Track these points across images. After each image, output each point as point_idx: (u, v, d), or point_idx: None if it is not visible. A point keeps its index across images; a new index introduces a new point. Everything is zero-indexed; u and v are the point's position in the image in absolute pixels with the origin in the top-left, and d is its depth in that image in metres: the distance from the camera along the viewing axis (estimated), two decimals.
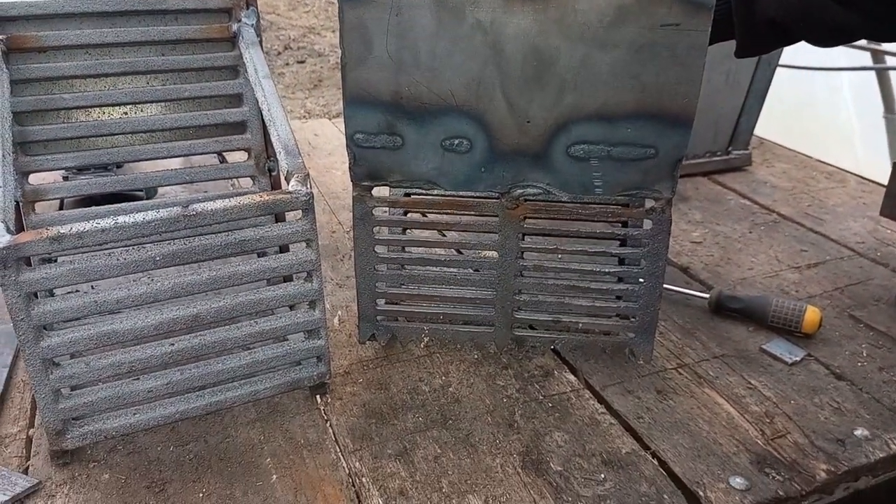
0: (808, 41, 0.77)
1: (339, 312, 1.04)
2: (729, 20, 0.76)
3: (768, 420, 0.85)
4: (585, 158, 0.82)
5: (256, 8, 0.94)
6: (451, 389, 0.88)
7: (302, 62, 6.96)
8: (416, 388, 0.88)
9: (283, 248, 0.88)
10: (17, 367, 0.91)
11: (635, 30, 0.76)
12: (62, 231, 0.68)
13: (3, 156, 0.74)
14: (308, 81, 6.51)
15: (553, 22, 0.76)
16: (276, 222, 0.90)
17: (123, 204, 0.94)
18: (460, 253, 0.99)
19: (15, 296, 0.68)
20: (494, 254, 0.90)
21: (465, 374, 0.91)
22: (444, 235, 1.14)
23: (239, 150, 0.98)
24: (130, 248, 0.71)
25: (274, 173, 1.00)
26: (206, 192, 1.25)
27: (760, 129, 1.58)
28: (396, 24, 0.76)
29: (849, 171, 1.56)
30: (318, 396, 0.87)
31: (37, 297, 0.70)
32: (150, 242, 0.73)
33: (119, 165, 1.18)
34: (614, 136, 0.80)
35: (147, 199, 1.21)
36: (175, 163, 1.19)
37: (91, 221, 0.69)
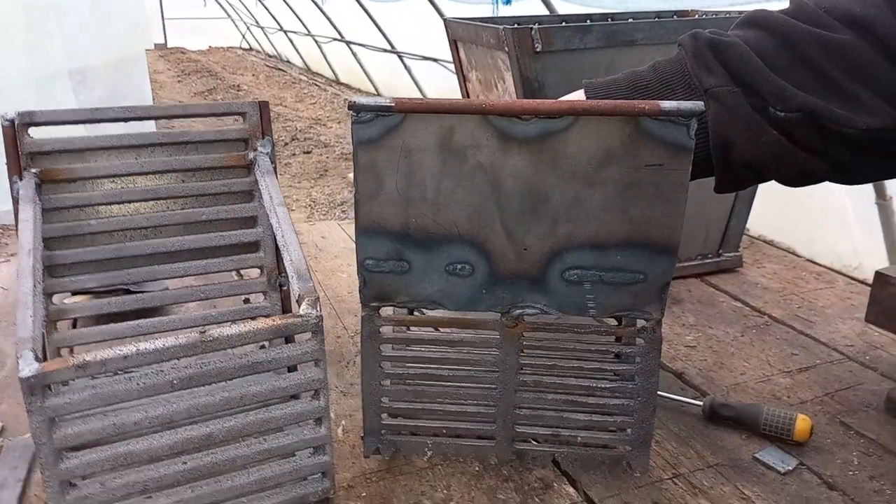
0: (779, 182, 0.83)
1: (343, 422, 1.07)
2: (707, 161, 0.83)
3: None
4: (579, 282, 0.87)
5: (272, 137, 1.02)
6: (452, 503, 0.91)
7: (308, 152, 7.17)
8: (419, 503, 0.91)
9: (291, 367, 0.92)
10: (31, 481, 0.94)
11: (622, 170, 0.83)
12: (87, 359, 0.72)
13: (35, 285, 0.79)
14: (314, 171, 6.69)
15: (546, 164, 0.82)
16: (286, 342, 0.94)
17: (141, 321, 0.99)
18: (454, 370, 1.03)
19: (39, 420, 0.72)
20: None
21: (466, 487, 0.93)
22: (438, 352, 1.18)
23: (252, 267, 1.04)
24: (149, 372, 0.76)
25: (284, 288, 1.06)
26: (214, 305, 1.30)
27: (753, 223, 1.64)
28: (406, 164, 0.83)
29: (837, 272, 1.62)
30: None
31: (55, 422, 0.74)
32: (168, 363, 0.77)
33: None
34: (606, 263, 0.86)
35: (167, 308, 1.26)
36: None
37: (114, 349, 0.74)
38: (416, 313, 0.98)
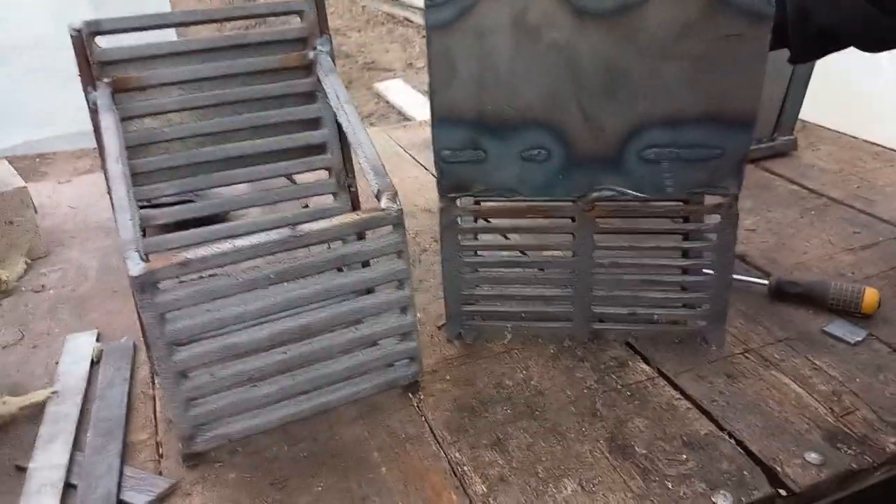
0: (857, 48, 0.82)
1: (419, 315, 1.11)
2: (782, 32, 0.81)
3: (836, 398, 0.90)
4: (656, 161, 0.88)
5: (329, 35, 1.01)
6: (533, 383, 0.95)
7: None
8: (501, 383, 0.95)
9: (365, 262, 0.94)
10: (136, 379, 1.00)
11: (700, 42, 0.82)
12: (189, 256, 0.76)
13: (128, 190, 0.82)
14: None
15: (623, 38, 0.82)
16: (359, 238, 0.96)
17: (219, 226, 1.02)
18: (529, 255, 1.06)
19: (151, 317, 0.76)
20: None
21: (544, 367, 0.97)
22: (515, 239, 1.21)
23: (320, 169, 1.06)
24: (246, 268, 0.79)
25: (353, 189, 1.07)
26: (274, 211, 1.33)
27: (803, 112, 1.61)
28: (479, 48, 0.83)
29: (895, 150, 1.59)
30: (411, 394, 0.94)
31: (165, 317, 0.78)
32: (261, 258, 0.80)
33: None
34: (683, 140, 0.86)
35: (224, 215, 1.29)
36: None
37: (211, 246, 0.77)
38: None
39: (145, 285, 0.74)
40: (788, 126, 1.58)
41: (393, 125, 2.06)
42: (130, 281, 0.74)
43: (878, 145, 1.63)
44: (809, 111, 1.67)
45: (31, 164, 5.01)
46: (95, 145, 0.90)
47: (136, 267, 0.74)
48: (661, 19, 0.81)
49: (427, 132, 0.94)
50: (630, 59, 0.83)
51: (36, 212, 1.35)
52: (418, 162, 1.73)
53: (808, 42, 0.82)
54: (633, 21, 0.82)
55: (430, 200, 1.52)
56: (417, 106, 5.93)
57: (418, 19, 8.37)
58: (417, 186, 1.59)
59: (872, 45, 0.82)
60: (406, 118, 5.86)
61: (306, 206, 1.34)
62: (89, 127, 0.91)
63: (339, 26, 8.65)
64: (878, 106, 1.71)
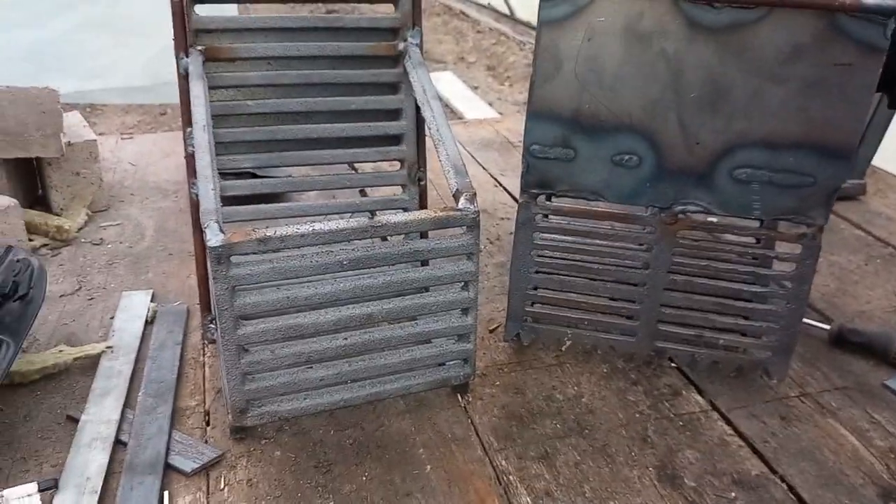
0: None
1: None
2: (892, 76, 0.80)
3: (893, 455, 0.88)
4: (747, 182, 0.87)
5: (421, 28, 1.01)
6: (584, 400, 0.94)
7: None
8: (551, 396, 0.94)
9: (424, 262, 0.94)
10: (187, 345, 1.01)
11: (809, 67, 0.81)
12: (268, 234, 0.76)
13: (212, 160, 0.82)
14: None
15: (732, 55, 0.81)
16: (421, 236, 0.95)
17: (290, 204, 1.02)
18: (603, 264, 1.05)
19: (223, 288, 0.76)
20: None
21: (596, 386, 0.97)
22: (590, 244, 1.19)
23: (394, 160, 1.06)
24: (321, 251, 0.79)
25: (422, 182, 1.07)
26: (333, 196, 1.33)
27: (875, 158, 1.58)
28: (587, 48, 0.83)
29: None
30: (460, 395, 0.94)
31: (236, 291, 0.78)
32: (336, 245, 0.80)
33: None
34: (777, 163, 0.85)
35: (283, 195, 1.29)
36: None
37: (292, 227, 0.77)
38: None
39: (222, 257, 0.74)
40: (860, 170, 1.55)
41: (453, 122, 2.05)
42: (208, 251, 0.74)
43: None
44: (882, 157, 1.64)
45: (81, 114, 5.08)
46: (144, 102, 0.90)
47: (215, 238, 0.74)
48: (772, 40, 0.81)
49: (485, 131, 0.93)
50: (736, 76, 0.83)
51: (97, 161, 1.36)
52: (476, 160, 1.72)
53: None
54: (744, 39, 0.81)
55: (486, 201, 1.51)
56: (465, 100, 5.91)
57: (474, 14, 8.33)
58: (476, 186, 1.57)
59: None
60: (452, 111, 5.86)
61: (364, 194, 1.34)
62: (139, 83, 0.91)
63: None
64: None
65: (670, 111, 0.85)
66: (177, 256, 1.22)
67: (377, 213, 0.80)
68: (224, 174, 1.08)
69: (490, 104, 6.29)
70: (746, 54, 0.81)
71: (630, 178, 0.89)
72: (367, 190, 1.33)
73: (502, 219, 1.44)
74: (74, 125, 1.34)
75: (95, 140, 1.32)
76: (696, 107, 0.84)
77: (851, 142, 0.83)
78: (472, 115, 6.08)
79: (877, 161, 1.64)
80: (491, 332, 1.07)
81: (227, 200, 1.03)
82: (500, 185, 1.59)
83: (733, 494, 0.81)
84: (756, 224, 0.94)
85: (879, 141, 1.51)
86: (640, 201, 0.90)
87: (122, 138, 1.69)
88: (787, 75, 0.81)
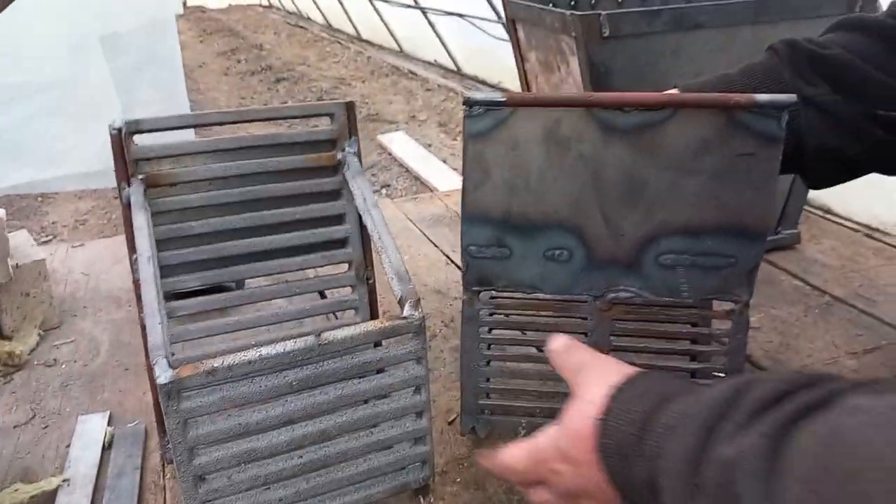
0: (881, 173, 0.87)
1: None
2: (796, 159, 0.85)
3: None
4: (672, 266, 0.91)
5: (358, 137, 1.05)
6: None
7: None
8: (511, 489, 0.96)
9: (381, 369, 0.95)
10: (146, 468, 1.01)
11: (716, 159, 0.86)
12: (215, 365, 0.77)
13: (157, 292, 0.84)
14: None
15: (645, 152, 0.86)
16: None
17: (241, 318, 1.04)
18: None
19: (175, 423, 0.77)
20: None
21: None
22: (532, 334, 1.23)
23: (340, 262, 1.08)
24: (269, 374, 0.80)
25: (371, 281, 1.10)
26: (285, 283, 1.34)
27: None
28: (512, 156, 0.88)
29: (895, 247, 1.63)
30: (422, 497, 0.95)
31: (188, 423, 0.79)
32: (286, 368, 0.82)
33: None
34: (698, 248, 0.90)
35: (237, 289, 1.30)
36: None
37: (238, 354, 0.79)
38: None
39: (171, 393, 0.75)
40: (793, 220, 1.62)
41: (403, 199, 2.10)
42: (158, 387, 0.75)
43: (878, 241, 1.66)
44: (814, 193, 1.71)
45: (33, 204, 5.03)
46: (98, 187, 0.91)
47: (164, 374, 0.75)
48: (680, 137, 0.86)
49: (435, 206, 0.97)
50: (651, 171, 0.87)
51: (46, 279, 1.36)
52: (428, 238, 1.76)
53: (829, 174, 0.87)
54: (654, 137, 0.86)
55: (439, 280, 1.54)
56: (419, 159, 6.01)
57: (422, 72, 8.54)
58: (427, 265, 1.62)
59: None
60: (407, 170, 5.94)
61: (323, 294, 1.36)
62: (95, 168, 0.93)
63: (343, 76, 8.81)
64: (864, 185, 1.75)
65: (594, 208, 0.89)
66: (132, 371, 1.22)
67: (304, 325, 0.82)
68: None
69: (444, 160, 6.38)
70: (658, 151, 0.86)
71: (563, 271, 0.93)
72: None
73: (455, 298, 1.47)
74: (22, 244, 1.34)
75: (44, 259, 1.32)
76: (617, 202, 0.89)
77: (764, 223, 0.88)
78: (427, 174, 6.15)
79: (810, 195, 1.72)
80: (450, 423, 1.09)
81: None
82: (452, 262, 1.62)
83: None
84: (688, 304, 0.98)
85: (807, 189, 1.58)
86: (575, 291, 0.94)
87: (72, 247, 1.69)
88: (697, 167, 0.86)
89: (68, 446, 1.04)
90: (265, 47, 10.11)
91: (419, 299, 0.88)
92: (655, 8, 1.41)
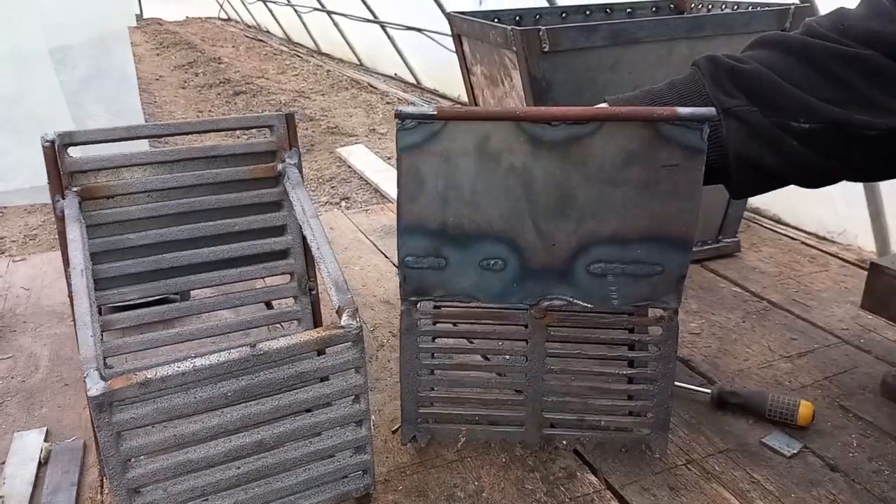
0: (799, 185, 0.91)
1: (373, 417, 1.12)
2: (722, 170, 0.89)
3: None
4: (603, 275, 0.93)
5: (298, 148, 1.06)
6: (484, 495, 0.97)
7: None
8: (453, 495, 0.97)
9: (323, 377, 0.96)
10: (83, 484, 0.99)
11: (642, 170, 0.89)
12: (149, 376, 0.77)
13: (90, 305, 0.83)
14: (301, 146, 6.67)
15: (573, 165, 0.89)
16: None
17: (181, 329, 1.03)
18: (487, 359, 1.09)
19: (107, 435, 0.76)
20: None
21: (495, 478, 1.00)
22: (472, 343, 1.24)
23: (283, 273, 1.08)
24: (205, 385, 0.80)
25: (314, 292, 1.10)
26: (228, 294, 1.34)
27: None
28: (445, 168, 0.89)
29: (830, 254, 1.69)
30: None
31: (122, 435, 0.79)
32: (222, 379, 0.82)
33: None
34: (627, 256, 0.92)
35: (183, 300, 1.29)
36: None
37: (172, 365, 0.78)
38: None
39: (103, 405, 0.75)
40: (733, 228, 1.67)
41: (356, 210, 2.11)
42: (89, 400, 0.75)
43: (814, 248, 1.72)
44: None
45: None
46: (49, 201, 0.91)
47: (95, 386, 0.75)
48: (607, 149, 0.89)
49: (387, 218, 0.98)
50: (580, 183, 0.90)
51: None
52: (379, 249, 1.76)
53: (751, 183, 0.90)
54: (582, 149, 0.89)
55: (388, 291, 1.55)
56: (378, 172, 6.01)
57: (382, 86, 8.54)
58: (377, 276, 1.62)
59: (816, 182, 0.92)
60: (367, 183, 5.93)
61: (269, 305, 1.35)
62: (44, 182, 0.91)
63: (303, 89, 8.77)
64: (807, 195, 1.82)
65: (526, 218, 0.91)
66: (72, 387, 1.20)
67: (249, 335, 0.82)
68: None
69: None
70: (586, 163, 0.89)
71: (498, 280, 0.95)
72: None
73: None
74: None
75: None
76: (548, 213, 0.91)
77: (689, 232, 0.91)
78: (386, 187, 6.16)
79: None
80: (394, 432, 1.09)
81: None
82: None
83: None
84: (622, 311, 1.00)
85: (747, 199, 1.63)
86: (510, 300, 0.96)
87: (13, 261, 1.66)
88: (624, 179, 0.89)
89: (3, 463, 1.02)
90: (223, 60, 10.01)
91: (357, 309, 0.89)
92: (594, 23, 1.45)
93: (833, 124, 0.82)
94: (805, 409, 1.08)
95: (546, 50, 1.33)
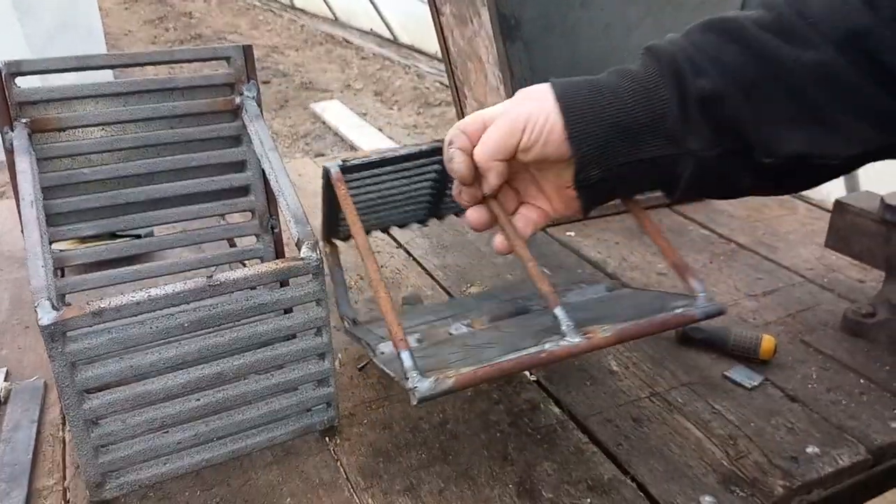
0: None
1: (340, 355, 1.12)
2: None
3: (732, 442, 0.95)
4: None
5: (257, 81, 1.03)
6: (448, 427, 0.97)
7: (266, 82, 7.00)
8: (417, 427, 0.97)
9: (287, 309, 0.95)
10: (44, 422, 0.98)
11: None
12: (102, 305, 0.76)
13: (41, 235, 0.81)
14: (274, 102, 6.57)
15: None
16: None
17: (140, 266, 1.01)
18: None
19: (61, 365, 0.75)
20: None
21: (460, 410, 1.00)
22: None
23: (244, 210, 1.07)
24: (161, 316, 0.79)
25: (276, 230, 1.09)
26: (201, 249, 1.32)
27: None
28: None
29: (798, 198, 1.70)
30: (328, 438, 0.96)
31: (76, 366, 0.77)
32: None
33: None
34: None
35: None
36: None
37: (126, 295, 0.77)
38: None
39: (55, 335, 0.74)
40: None
41: (325, 158, 2.08)
42: (41, 330, 0.73)
43: None
44: None
45: None
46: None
47: (46, 315, 0.73)
48: None
49: None
50: None
51: None
52: None
53: (690, 200, 0.82)
54: None
55: None
56: (354, 128, 5.95)
57: (357, 40, 8.42)
58: None
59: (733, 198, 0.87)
60: (342, 139, 5.87)
61: (233, 243, 1.34)
62: None
63: (276, 44, 8.62)
64: None
65: None
66: (33, 329, 1.18)
67: (216, 272, 0.81)
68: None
69: (380, 129, 6.32)
70: None
71: None
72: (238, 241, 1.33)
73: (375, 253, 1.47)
74: None
75: None
76: None
77: None
78: (361, 142, 6.08)
79: None
80: (360, 370, 1.09)
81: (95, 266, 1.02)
82: None
83: (588, 500, 0.86)
84: None
85: None
86: None
87: None
88: None
89: None
90: (195, 15, 9.78)
91: (317, 241, 0.88)
92: None
93: (796, 157, 0.72)
94: (767, 343, 1.09)
95: None
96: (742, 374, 1.08)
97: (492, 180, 0.77)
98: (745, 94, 0.71)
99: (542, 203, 0.81)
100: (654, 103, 0.73)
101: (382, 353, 0.95)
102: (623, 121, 0.73)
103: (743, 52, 0.72)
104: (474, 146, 0.76)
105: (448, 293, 1.31)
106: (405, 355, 0.74)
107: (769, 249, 1.46)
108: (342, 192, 0.90)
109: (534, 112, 0.72)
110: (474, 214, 0.82)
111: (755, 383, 1.06)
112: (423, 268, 1.41)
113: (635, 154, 0.74)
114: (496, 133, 0.73)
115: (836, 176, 0.76)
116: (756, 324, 1.22)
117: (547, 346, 0.75)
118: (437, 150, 0.94)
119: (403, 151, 0.97)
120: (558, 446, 0.94)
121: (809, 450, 0.94)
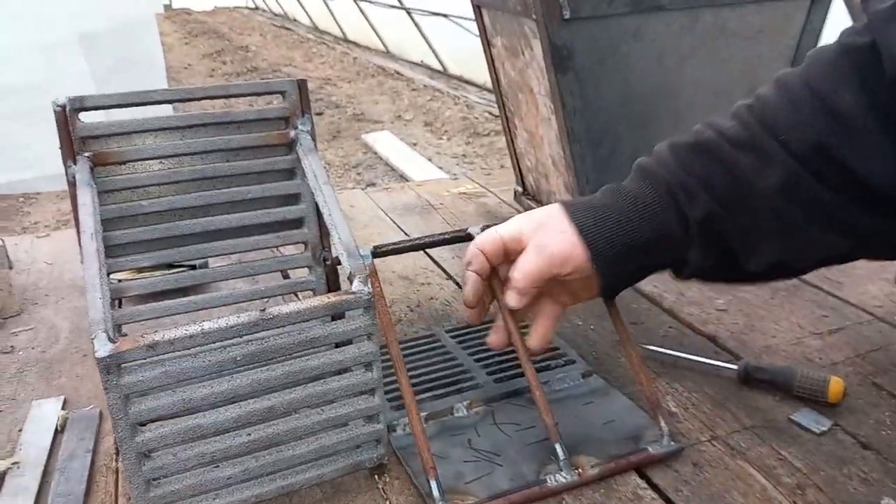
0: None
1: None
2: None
3: (800, 492, 0.90)
4: None
5: (311, 115, 1.04)
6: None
7: (320, 114, 7.16)
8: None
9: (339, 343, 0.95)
10: (98, 451, 0.99)
11: None
12: (156, 338, 0.76)
13: (100, 267, 0.82)
14: (327, 132, 6.70)
15: None
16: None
17: (195, 297, 1.02)
18: None
19: (115, 398, 0.76)
20: None
21: None
22: None
23: (297, 243, 1.07)
24: (214, 349, 0.79)
25: (328, 262, 1.09)
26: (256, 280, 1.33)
27: None
28: None
29: None
30: (377, 476, 0.94)
31: (130, 398, 0.78)
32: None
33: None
34: None
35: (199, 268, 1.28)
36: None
37: (180, 328, 0.77)
38: None
39: (111, 367, 0.74)
40: None
41: (376, 189, 2.09)
42: (97, 362, 0.74)
43: None
44: None
45: (15, 204, 5.00)
46: None
47: (102, 348, 0.74)
48: None
49: (406, 196, 0.97)
50: None
51: (11, 268, 1.35)
52: (398, 227, 1.75)
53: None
54: None
55: (407, 267, 1.53)
56: (404, 158, 6.02)
57: (408, 72, 8.55)
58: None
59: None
60: (392, 169, 5.94)
61: (286, 275, 1.34)
62: None
63: (329, 76, 8.82)
64: None
65: None
66: (91, 358, 1.20)
67: (268, 304, 0.81)
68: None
69: (429, 159, 6.38)
70: None
71: None
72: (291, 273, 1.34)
73: (422, 284, 1.46)
74: None
75: (3, 245, 1.30)
76: None
77: None
78: (412, 172, 6.15)
79: None
80: None
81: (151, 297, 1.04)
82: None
83: None
84: None
85: None
86: None
87: (37, 237, 1.67)
88: None
89: (20, 430, 1.02)
90: (251, 49, 10.10)
91: (368, 275, 0.87)
92: None
93: (776, 266, 0.83)
94: (836, 385, 1.04)
95: (566, 17, 1.30)
96: (809, 418, 1.02)
97: (525, 301, 0.85)
98: (728, 212, 0.80)
99: (565, 298, 0.91)
100: (659, 226, 0.82)
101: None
102: (634, 241, 0.83)
103: (725, 175, 0.79)
104: (492, 266, 0.87)
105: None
106: (433, 484, 0.85)
107: (834, 285, 1.40)
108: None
109: (564, 246, 0.82)
110: (494, 337, 0.92)
111: (824, 428, 1.01)
112: None
113: (646, 264, 0.88)
114: (535, 266, 0.82)
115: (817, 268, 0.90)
116: (822, 364, 1.16)
117: (548, 481, 0.87)
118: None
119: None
120: (616, 491, 0.91)
121: (885, 502, 0.88)
